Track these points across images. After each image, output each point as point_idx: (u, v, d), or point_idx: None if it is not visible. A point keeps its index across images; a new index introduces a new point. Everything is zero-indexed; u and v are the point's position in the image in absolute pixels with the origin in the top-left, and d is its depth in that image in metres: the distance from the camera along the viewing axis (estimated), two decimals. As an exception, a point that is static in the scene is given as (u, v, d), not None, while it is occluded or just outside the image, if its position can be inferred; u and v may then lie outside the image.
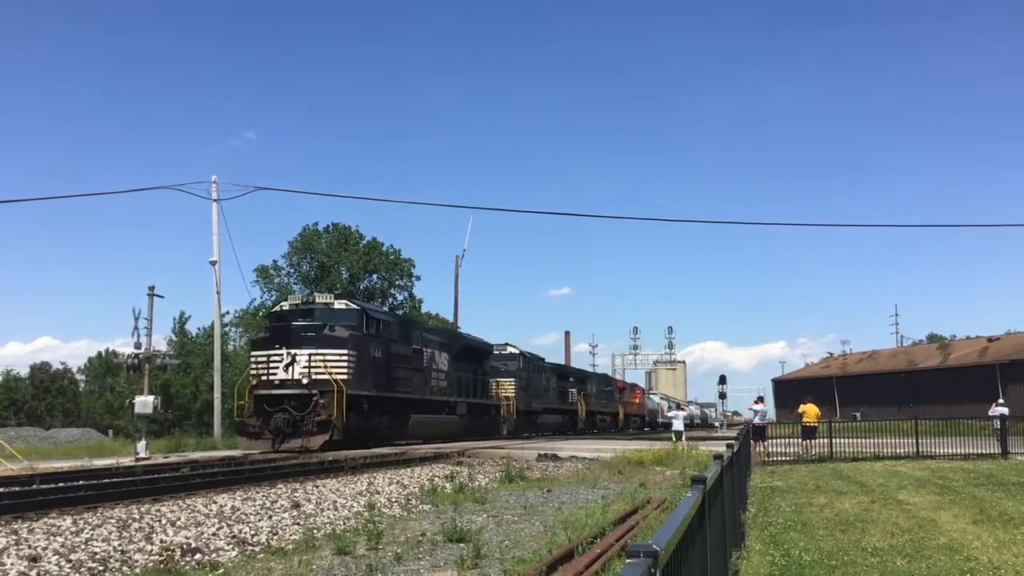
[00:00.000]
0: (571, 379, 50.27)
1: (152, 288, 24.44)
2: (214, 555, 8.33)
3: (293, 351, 22.58)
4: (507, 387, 37.88)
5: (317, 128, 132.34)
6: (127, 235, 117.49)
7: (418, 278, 64.10)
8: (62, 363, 74.90)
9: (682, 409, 36.02)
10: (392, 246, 63.00)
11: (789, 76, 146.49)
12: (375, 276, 62.71)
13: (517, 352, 40.59)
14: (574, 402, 48.53)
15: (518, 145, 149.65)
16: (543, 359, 45.61)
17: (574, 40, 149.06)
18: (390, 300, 62.45)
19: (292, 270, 60.52)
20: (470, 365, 33.85)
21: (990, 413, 25.77)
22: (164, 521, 10.12)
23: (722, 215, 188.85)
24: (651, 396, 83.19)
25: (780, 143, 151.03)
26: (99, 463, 20.09)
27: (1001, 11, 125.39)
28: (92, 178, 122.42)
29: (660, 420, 77.04)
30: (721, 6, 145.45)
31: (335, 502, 12.49)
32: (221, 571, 7.67)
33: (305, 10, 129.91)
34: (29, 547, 8.20)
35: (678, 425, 28.24)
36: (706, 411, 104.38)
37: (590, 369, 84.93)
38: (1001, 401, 28.02)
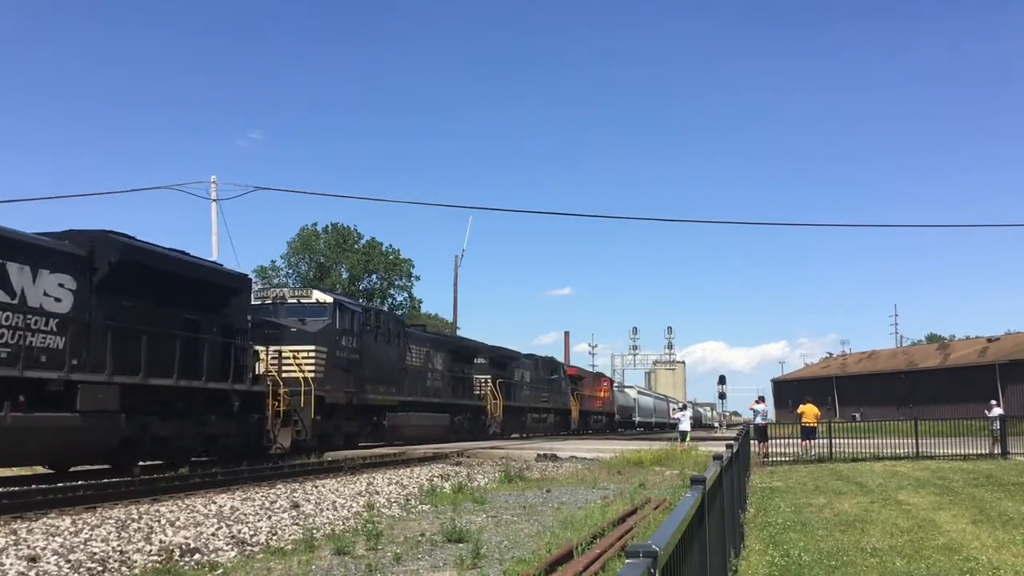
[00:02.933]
0: (478, 360, 34.94)
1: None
2: (213, 555, 8.32)
3: None
4: (301, 360, 20.63)
5: (320, 128, 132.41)
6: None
7: (417, 278, 64.21)
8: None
9: (687, 409, 33.71)
10: (391, 246, 63.07)
11: (789, 75, 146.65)
12: (374, 276, 62.75)
13: (330, 301, 22.73)
14: (481, 394, 34.22)
15: (518, 145, 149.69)
16: (421, 327, 32.32)
17: (574, 39, 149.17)
18: (389, 300, 62.50)
19: (291, 270, 60.60)
20: (187, 313, 17.10)
21: (991, 414, 25.80)
22: (163, 521, 10.11)
23: (723, 215, 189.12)
24: (625, 390, 70.53)
25: (780, 143, 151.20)
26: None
27: (999, 12, 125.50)
28: (92, 177, 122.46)
29: (637, 419, 66.41)
30: (721, 5, 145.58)
31: (334, 502, 12.48)
32: (220, 571, 7.66)
33: (307, 11, 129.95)
34: (28, 547, 8.19)
35: (685, 425, 28.23)
36: (699, 410, 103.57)
37: (590, 364, 76.85)
38: (994, 402, 27.99)
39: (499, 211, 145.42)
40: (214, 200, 30.28)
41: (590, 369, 62.80)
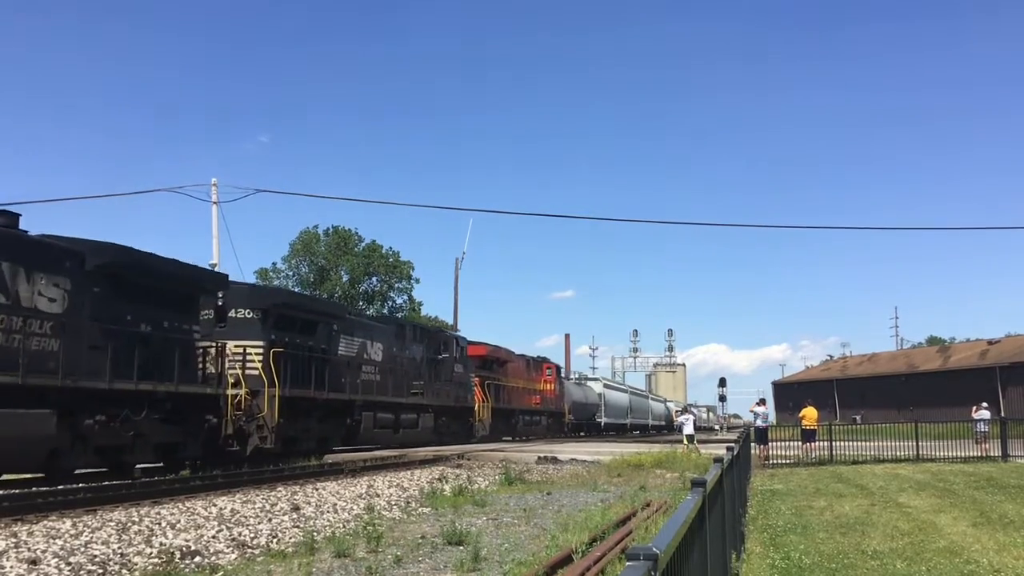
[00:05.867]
0: (240, 312, 19.77)
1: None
2: (214, 558, 8.32)
3: None
4: None
5: (324, 131, 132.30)
6: (127, 235, 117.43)
7: (417, 280, 64.20)
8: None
9: (690, 413, 32.70)
10: (391, 248, 63.07)
11: (789, 77, 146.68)
12: (374, 279, 62.75)
13: None
14: (218, 372, 18.32)
15: (520, 148, 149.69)
16: (15, 216, 14.16)
17: (576, 41, 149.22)
18: (389, 303, 62.51)
19: (291, 272, 60.62)
20: None
21: (975, 416, 25.75)
22: (164, 524, 10.11)
23: (724, 218, 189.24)
24: (587, 383, 55.71)
25: (781, 145, 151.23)
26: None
27: (1001, 14, 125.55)
28: (98, 181, 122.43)
29: (603, 420, 53.34)
30: (723, 8, 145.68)
31: (335, 505, 12.48)
32: (221, 574, 7.66)
33: (307, 12, 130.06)
34: (29, 550, 8.18)
35: (688, 429, 28.17)
36: (693, 411, 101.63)
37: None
38: (985, 404, 27.97)
39: (501, 213, 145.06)
40: (214, 203, 30.31)
41: (521, 353, 42.29)
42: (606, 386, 57.86)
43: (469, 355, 33.45)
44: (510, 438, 37.10)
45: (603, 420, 53.47)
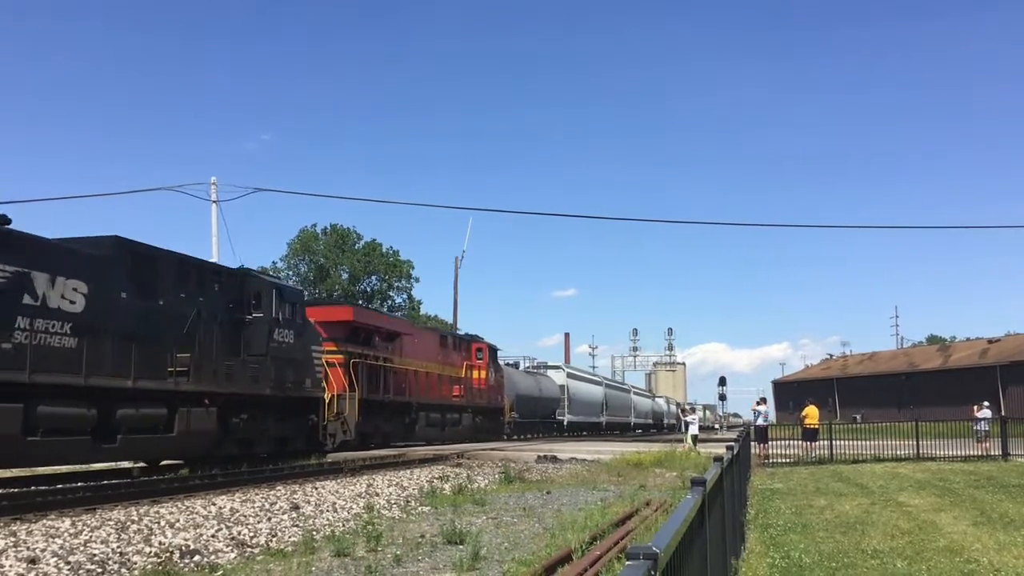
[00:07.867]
0: None
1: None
2: (213, 557, 8.31)
3: None
4: None
5: (325, 130, 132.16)
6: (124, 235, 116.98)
7: (417, 279, 64.20)
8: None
9: (695, 412, 31.60)
10: (391, 247, 63.08)
11: (790, 76, 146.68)
12: (374, 278, 62.77)
13: None
14: None
15: (522, 147, 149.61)
16: None
17: (576, 40, 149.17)
18: (389, 302, 62.49)
19: (290, 272, 60.61)
20: None
21: (977, 415, 25.70)
22: (163, 523, 10.10)
23: (725, 217, 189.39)
24: (544, 373, 44.55)
25: (782, 144, 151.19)
26: (97, 465, 20.01)
27: (1003, 14, 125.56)
28: (104, 181, 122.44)
29: (566, 418, 44.31)
30: (724, 7, 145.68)
31: (334, 504, 12.47)
32: (220, 573, 7.65)
33: (307, 11, 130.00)
34: (28, 549, 8.17)
35: (694, 429, 28.19)
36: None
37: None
38: (986, 403, 27.91)
39: (501, 212, 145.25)
40: (214, 201, 30.30)
41: (451, 331, 34.54)
42: (570, 376, 46.75)
43: (317, 320, 22.22)
44: (424, 443, 27.64)
45: (566, 418, 43.82)
